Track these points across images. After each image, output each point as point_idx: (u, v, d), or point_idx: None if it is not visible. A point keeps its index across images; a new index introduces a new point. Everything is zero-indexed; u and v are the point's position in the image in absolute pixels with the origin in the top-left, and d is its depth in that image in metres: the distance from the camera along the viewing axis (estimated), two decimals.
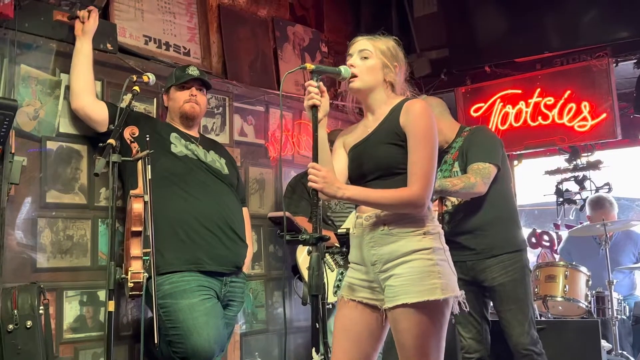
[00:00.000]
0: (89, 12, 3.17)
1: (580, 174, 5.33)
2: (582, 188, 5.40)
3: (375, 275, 2.36)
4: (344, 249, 3.56)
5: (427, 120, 2.33)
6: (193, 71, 3.34)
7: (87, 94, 3.13)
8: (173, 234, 3.08)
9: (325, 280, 2.18)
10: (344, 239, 3.45)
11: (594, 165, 5.21)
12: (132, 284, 2.77)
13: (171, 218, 3.09)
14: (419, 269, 2.26)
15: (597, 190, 5.35)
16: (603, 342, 3.93)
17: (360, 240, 2.41)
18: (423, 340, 2.26)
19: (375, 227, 2.35)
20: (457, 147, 3.46)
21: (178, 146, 3.25)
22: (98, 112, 3.14)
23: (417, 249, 2.29)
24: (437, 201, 3.43)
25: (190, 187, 3.18)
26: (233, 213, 3.30)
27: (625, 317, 4.55)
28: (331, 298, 3.76)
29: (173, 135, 3.28)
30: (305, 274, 3.78)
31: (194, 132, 3.41)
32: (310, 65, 2.31)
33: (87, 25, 3.14)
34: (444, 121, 3.56)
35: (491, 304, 3.55)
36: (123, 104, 2.88)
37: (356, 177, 2.46)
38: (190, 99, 3.31)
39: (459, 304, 2.35)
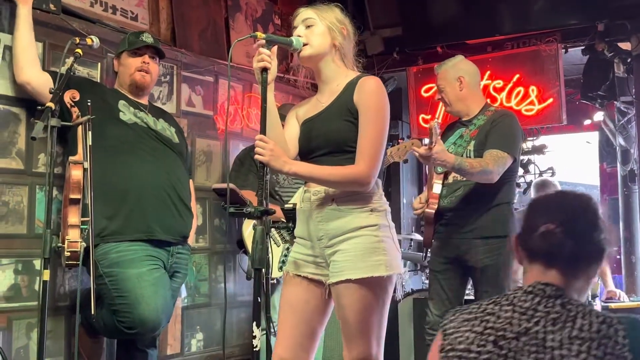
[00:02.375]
0: None
1: (525, 157, 5.42)
2: (526, 171, 5.50)
3: (320, 250, 2.35)
4: (291, 224, 3.53)
5: (380, 98, 2.33)
6: (147, 38, 3.24)
7: (32, 67, 3.01)
8: (122, 201, 3.01)
9: (270, 255, 2.17)
10: (291, 214, 3.41)
11: (539, 150, 5.32)
12: (68, 253, 2.68)
13: (120, 185, 3.01)
14: (364, 245, 2.27)
15: (540, 174, 5.46)
16: None
17: (307, 215, 2.40)
18: (365, 315, 2.27)
19: (323, 203, 2.34)
20: (478, 125, 3.38)
21: (127, 114, 3.16)
22: (44, 86, 2.97)
23: (363, 225, 2.29)
24: (441, 175, 3.39)
25: (139, 154, 3.10)
26: (182, 182, 3.25)
27: None
28: (276, 273, 3.73)
29: (121, 102, 3.18)
30: (250, 248, 3.75)
31: (143, 100, 3.31)
32: (260, 34, 2.29)
33: None
34: (472, 91, 3.49)
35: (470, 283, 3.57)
36: (64, 67, 2.76)
37: (306, 151, 2.43)
38: (142, 67, 3.22)
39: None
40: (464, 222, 3.34)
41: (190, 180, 3.45)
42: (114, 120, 3.09)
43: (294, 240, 2.52)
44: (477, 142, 3.33)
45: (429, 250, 3.56)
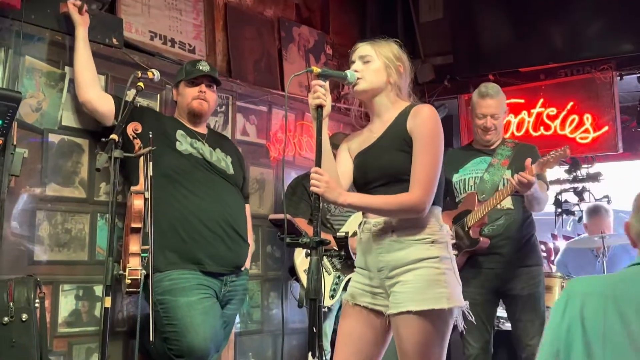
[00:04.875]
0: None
1: (580, 185, 5.31)
2: (581, 199, 5.38)
3: (380, 281, 2.35)
4: (342, 253, 3.55)
5: (434, 125, 2.33)
6: (204, 67, 3.31)
7: (93, 87, 3.11)
8: (174, 233, 3.06)
9: (322, 283, 2.18)
10: (343, 242, 3.44)
11: (594, 177, 5.20)
12: (129, 281, 2.76)
13: (173, 216, 3.07)
14: (426, 277, 2.26)
15: (595, 202, 5.34)
16: None
17: (367, 246, 2.41)
18: (425, 348, 2.25)
19: (383, 234, 2.35)
20: (505, 155, 3.51)
21: (183, 144, 3.22)
22: (105, 106, 3.10)
23: (424, 257, 2.28)
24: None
25: (193, 185, 3.15)
26: (236, 212, 3.27)
27: None
28: (327, 301, 3.75)
29: (179, 132, 3.25)
30: (302, 276, 3.78)
31: (201, 129, 3.38)
32: (316, 69, 2.32)
33: (83, 17, 3.13)
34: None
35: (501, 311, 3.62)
36: (127, 99, 2.86)
37: (362, 183, 2.46)
38: (199, 96, 3.28)
39: (464, 315, 2.34)
40: (506, 251, 3.41)
41: (247, 206, 3.49)
42: (170, 151, 3.16)
43: (350, 269, 2.54)
44: (513, 170, 3.37)
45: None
